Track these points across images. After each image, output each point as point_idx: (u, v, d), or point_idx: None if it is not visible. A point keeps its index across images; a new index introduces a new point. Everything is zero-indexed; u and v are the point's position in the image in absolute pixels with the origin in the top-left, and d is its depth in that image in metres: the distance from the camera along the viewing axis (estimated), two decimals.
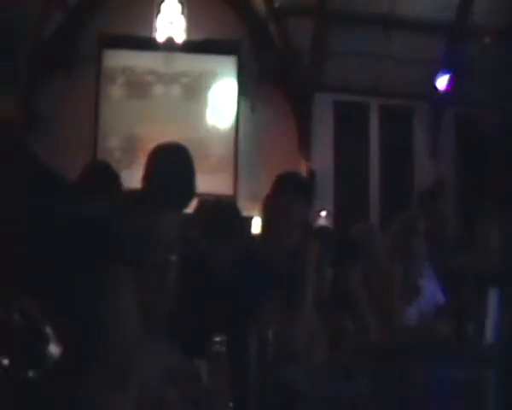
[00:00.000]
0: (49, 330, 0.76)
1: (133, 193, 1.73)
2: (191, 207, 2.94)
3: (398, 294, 3.04)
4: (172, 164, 2.29)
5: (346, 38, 11.62)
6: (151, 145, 2.82)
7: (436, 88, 12.28)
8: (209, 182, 11.97)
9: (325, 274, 2.83)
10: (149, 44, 12.46)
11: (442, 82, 12.18)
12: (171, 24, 12.81)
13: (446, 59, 12.24)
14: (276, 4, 11.48)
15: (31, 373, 0.77)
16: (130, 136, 11.67)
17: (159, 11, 12.86)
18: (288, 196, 2.44)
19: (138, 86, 12.48)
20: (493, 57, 11.59)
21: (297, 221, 2.40)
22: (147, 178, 2.26)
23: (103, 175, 2.91)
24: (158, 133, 10.49)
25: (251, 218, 9.19)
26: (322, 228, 6.10)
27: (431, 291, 3.38)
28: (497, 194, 12.42)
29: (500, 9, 11.70)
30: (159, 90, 12.60)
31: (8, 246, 0.87)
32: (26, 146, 1.21)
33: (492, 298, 2.75)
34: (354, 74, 12.23)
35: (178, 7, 12.92)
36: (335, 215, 11.94)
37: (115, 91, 12.53)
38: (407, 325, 2.99)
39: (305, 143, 12.48)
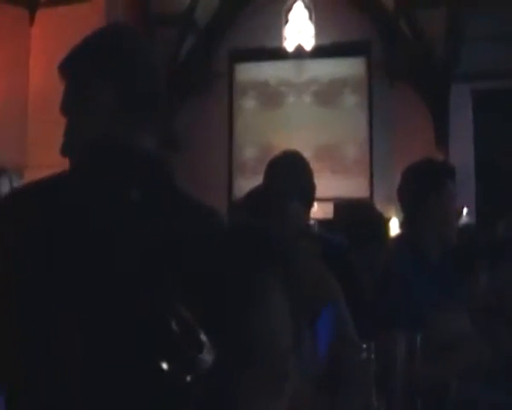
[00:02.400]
0: (203, 337, 0.80)
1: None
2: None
3: None
4: (285, 170, 2.32)
5: (481, 23, 10.98)
6: None
7: None
8: (345, 185, 11.94)
9: (480, 279, 2.69)
10: (279, 54, 12.71)
11: None
12: (299, 32, 12.97)
13: None
14: None
15: (188, 378, 0.81)
16: (264, 145, 11.95)
17: (287, 20, 13.10)
18: None
19: (270, 97, 12.77)
20: None
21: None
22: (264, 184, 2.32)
23: None
24: (291, 141, 10.66)
25: (388, 219, 9.01)
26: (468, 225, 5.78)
27: None
28: None
29: None
30: (291, 98, 12.79)
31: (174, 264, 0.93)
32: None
33: None
34: (491, 59, 11.49)
35: (306, 13, 13.05)
36: (478, 210, 11.28)
37: (248, 104, 12.93)
38: None
39: (442, 139, 11.94)
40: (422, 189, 2.17)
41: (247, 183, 11.91)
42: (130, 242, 1.14)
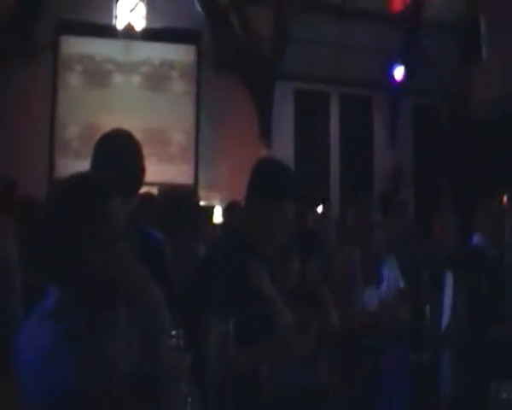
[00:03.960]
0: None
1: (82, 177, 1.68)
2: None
3: (356, 278, 3.10)
4: (115, 151, 2.25)
5: (306, 27, 11.69)
6: None
7: (393, 78, 12.52)
8: (170, 171, 11.92)
9: (292, 268, 2.86)
10: (108, 31, 12.15)
11: (399, 72, 12.42)
12: (130, 11, 12.58)
13: (403, 49, 12.47)
14: None
15: None
16: (89, 125, 11.45)
17: None
18: None
19: (97, 74, 12.22)
20: (447, 48, 11.85)
21: None
22: (92, 166, 2.23)
23: None
24: (117, 122, 10.29)
25: (212, 207, 9.21)
26: None
27: (392, 279, 3.47)
28: (452, 183, 12.75)
29: (454, 2, 11.96)
30: (118, 78, 12.39)
31: None
32: None
33: (448, 282, 2.84)
34: (314, 63, 12.32)
35: None
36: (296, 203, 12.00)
37: (73, 80, 12.24)
38: (367, 310, 3.05)
39: (265, 132, 12.52)
40: (263, 191, 2.22)
41: (70, 162, 11.36)
42: None
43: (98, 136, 2.38)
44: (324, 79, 12.91)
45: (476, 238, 4.65)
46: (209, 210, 5.03)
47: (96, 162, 2.24)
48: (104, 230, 1.51)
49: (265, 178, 2.22)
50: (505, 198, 4.54)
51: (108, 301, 1.56)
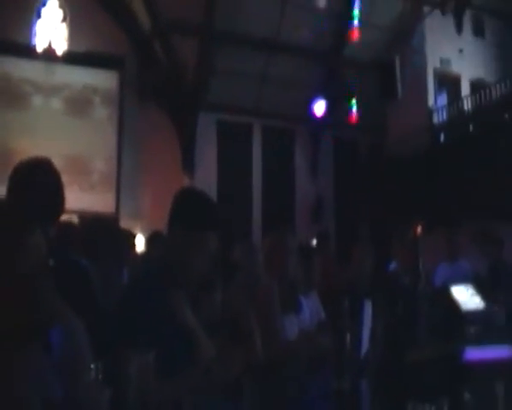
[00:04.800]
0: None
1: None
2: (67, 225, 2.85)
3: (275, 308, 3.12)
4: (34, 179, 2.19)
5: (231, 59, 11.87)
6: None
7: (314, 111, 12.91)
8: (91, 199, 11.61)
9: (215, 298, 2.85)
10: (27, 51, 11.70)
11: (320, 106, 12.82)
12: (51, 32, 12.09)
13: (323, 85, 12.92)
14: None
15: None
16: (5, 150, 10.97)
17: (39, 16, 12.09)
18: None
19: (14, 96, 11.76)
20: (366, 85, 12.40)
21: None
22: (8, 193, 2.15)
23: None
24: (36, 148, 10.00)
25: (134, 236, 9.04)
26: None
27: (312, 308, 3.52)
28: (369, 212, 13.21)
29: (371, 44, 12.59)
30: (37, 101, 12.01)
31: None
32: None
33: (367, 310, 2.93)
34: (238, 95, 12.50)
35: (60, 13, 12.23)
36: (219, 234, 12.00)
37: None
38: (286, 339, 3.08)
39: (188, 162, 12.49)
40: (185, 221, 2.21)
41: None
42: None
43: (15, 161, 2.30)
44: (248, 111, 13.13)
45: (392, 266, 4.83)
46: (131, 238, 4.96)
47: (12, 191, 2.16)
48: (23, 262, 1.46)
49: (187, 208, 2.21)
50: (419, 228, 4.76)
51: (24, 336, 1.50)
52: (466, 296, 3.27)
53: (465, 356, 2.45)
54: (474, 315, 3.13)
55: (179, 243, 2.18)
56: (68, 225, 3.03)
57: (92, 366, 1.52)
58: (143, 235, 9.23)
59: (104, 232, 2.88)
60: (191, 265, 2.19)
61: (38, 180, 2.17)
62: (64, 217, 2.44)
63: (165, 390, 1.82)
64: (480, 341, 2.81)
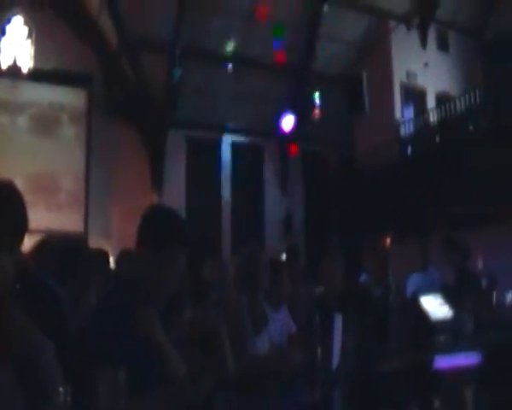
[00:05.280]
0: None
1: None
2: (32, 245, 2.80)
3: (245, 323, 3.11)
4: None
5: (199, 75, 11.89)
6: None
7: (281, 128, 12.95)
8: (58, 218, 11.43)
9: (185, 315, 2.83)
10: None
11: (288, 121, 12.88)
12: (16, 48, 11.90)
13: (291, 100, 13.02)
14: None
15: None
16: None
17: (3, 33, 11.92)
18: None
19: None
20: (333, 100, 12.56)
21: None
22: None
23: None
24: (1, 167, 9.85)
25: (105, 254, 8.91)
26: None
27: (283, 322, 3.52)
28: (339, 225, 13.31)
29: (338, 59, 12.79)
30: (2, 119, 11.82)
31: None
32: None
33: (337, 323, 2.94)
34: (207, 111, 12.52)
35: (25, 30, 12.07)
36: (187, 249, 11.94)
37: None
38: (257, 354, 3.06)
39: (157, 179, 12.45)
40: (150, 240, 2.20)
41: None
42: None
43: None
44: (216, 127, 13.15)
45: (363, 278, 4.86)
46: (102, 257, 4.89)
47: None
48: None
49: (155, 226, 2.20)
50: (389, 239, 4.81)
51: None
52: (435, 306, 3.31)
53: (435, 364, 2.48)
54: (442, 324, 3.17)
55: (149, 260, 2.16)
56: (37, 245, 2.99)
57: (61, 388, 1.49)
58: (113, 254, 9.14)
59: (72, 252, 2.83)
60: (161, 282, 2.18)
61: (1, 204, 2.15)
62: (32, 237, 2.40)
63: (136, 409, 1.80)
64: (449, 349, 2.84)
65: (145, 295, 2.14)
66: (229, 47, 11.54)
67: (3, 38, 11.95)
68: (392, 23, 12.92)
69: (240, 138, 13.55)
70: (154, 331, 2.13)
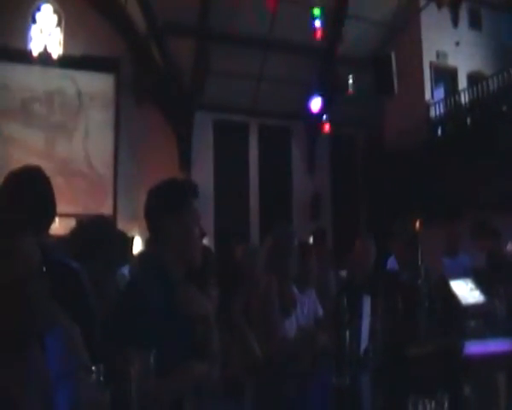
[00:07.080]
0: None
1: None
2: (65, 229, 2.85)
3: (275, 306, 3.11)
4: (24, 187, 2.23)
5: (227, 59, 11.86)
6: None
7: (310, 109, 12.87)
8: (88, 202, 11.62)
9: (210, 294, 2.84)
10: (23, 57, 11.67)
11: (316, 103, 12.78)
12: (46, 36, 12.18)
13: (319, 82, 12.90)
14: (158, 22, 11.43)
15: None
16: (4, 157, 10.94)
17: (34, 21, 12.19)
18: None
19: (12, 102, 11.72)
20: (363, 81, 12.38)
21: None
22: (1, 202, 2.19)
23: None
24: (35, 153, 10.03)
25: (132, 237, 9.02)
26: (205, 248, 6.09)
27: (310, 305, 3.52)
28: (368, 209, 13.21)
29: (366, 39, 12.58)
30: (35, 105, 11.98)
31: None
32: None
33: (366, 306, 2.92)
34: (234, 94, 12.50)
35: (54, 18, 12.33)
36: (216, 232, 12.03)
37: None
38: (287, 337, 3.07)
39: (185, 162, 12.51)
40: (164, 208, 2.21)
41: None
42: None
43: (8, 169, 2.32)
44: (244, 110, 13.12)
45: (391, 261, 4.82)
46: (129, 240, 4.95)
47: (3, 198, 2.19)
48: (14, 268, 1.45)
49: (161, 194, 2.24)
50: (418, 223, 4.75)
51: (20, 341, 1.50)
52: (465, 291, 3.27)
53: (465, 350, 2.45)
54: (473, 309, 3.12)
55: (165, 230, 2.19)
56: (73, 228, 3.05)
57: (93, 367, 1.52)
58: (142, 236, 9.24)
59: (99, 234, 2.87)
60: (181, 249, 2.19)
61: (28, 189, 2.20)
62: (62, 221, 2.45)
63: (167, 388, 1.83)
64: (480, 335, 2.81)
65: (173, 273, 2.16)
66: None
67: (34, 26, 12.13)
68: (423, 1, 12.65)
69: (267, 121, 13.49)
70: (196, 304, 2.17)
